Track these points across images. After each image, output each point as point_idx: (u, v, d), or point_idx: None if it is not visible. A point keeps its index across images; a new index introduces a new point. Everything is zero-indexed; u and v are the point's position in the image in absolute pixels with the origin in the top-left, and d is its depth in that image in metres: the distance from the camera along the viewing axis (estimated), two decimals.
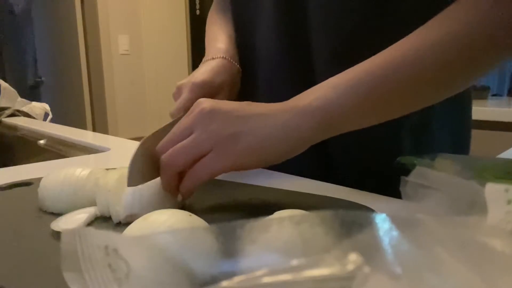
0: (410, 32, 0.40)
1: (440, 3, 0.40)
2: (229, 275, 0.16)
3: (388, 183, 0.45)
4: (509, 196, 0.24)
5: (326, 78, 0.40)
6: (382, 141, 0.50)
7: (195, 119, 0.38)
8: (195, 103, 0.40)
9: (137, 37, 3.13)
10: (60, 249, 0.20)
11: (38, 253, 0.31)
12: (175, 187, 0.39)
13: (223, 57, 0.55)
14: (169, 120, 0.59)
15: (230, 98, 0.53)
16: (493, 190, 0.25)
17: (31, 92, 3.51)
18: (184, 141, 0.37)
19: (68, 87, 3.28)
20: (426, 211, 0.32)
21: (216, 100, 0.39)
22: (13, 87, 1.55)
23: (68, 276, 0.19)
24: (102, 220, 0.38)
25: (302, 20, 0.52)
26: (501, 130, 1.54)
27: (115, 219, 0.37)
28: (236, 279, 0.16)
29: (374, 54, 0.40)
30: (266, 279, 0.15)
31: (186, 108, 0.46)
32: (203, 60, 0.56)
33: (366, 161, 0.53)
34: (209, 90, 0.50)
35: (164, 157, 0.38)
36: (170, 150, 0.38)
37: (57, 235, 0.34)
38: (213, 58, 0.54)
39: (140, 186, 0.37)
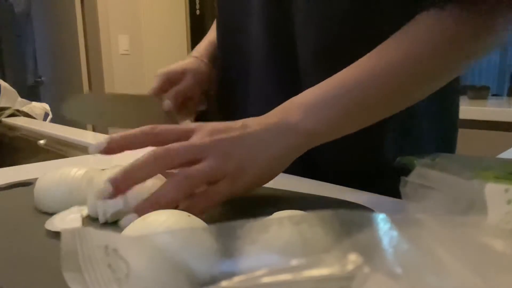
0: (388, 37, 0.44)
1: (416, 12, 0.44)
2: (229, 275, 0.16)
3: (371, 182, 0.50)
4: (509, 196, 0.24)
5: (311, 79, 0.45)
6: (364, 140, 0.52)
7: (206, 145, 0.38)
8: (197, 127, 0.40)
9: (137, 37, 3.13)
10: (60, 249, 0.20)
11: (38, 253, 0.31)
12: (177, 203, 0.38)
13: (194, 56, 0.67)
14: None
15: (195, 82, 0.64)
16: (493, 190, 0.25)
17: (31, 92, 3.51)
18: (203, 167, 0.37)
19: (68, 87, 3.27)
20: (426, 211, 0.32)
21: (216, 127, 0.40)
22: (13, 87, 1.55)
23: (68, 276, 0.19)
24: (94, 219, 0.38)
25: (288, 24, 0.55)
26: (501, 130, 1.54)
27: (102, 219, 0.37)
28: (236, 279, 0.16)
29: (355, 57, 0.43)
30: (266, 279, 0.15)
31: (155, 93, 0.63)
32: None
33: (349, 160, 0.56)
34: (174, 75, 0.63)
35: (180, 176, 0.37)
36: (183, 175, 0.37)
37: (53, 234, 0.34)
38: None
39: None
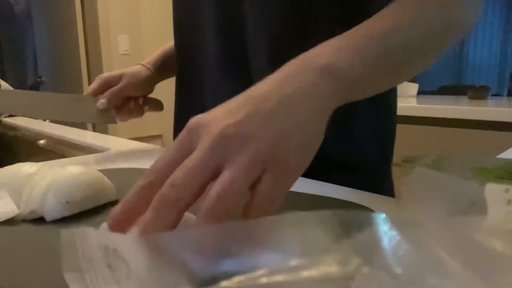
0: (328, 35, 0.38)
1: (363, 12, 0.44)
2: (229, 275, 0.16)
3: (317, 174, 0.51)
4: (509, 196, 0.24)
5: (262, 77, 0.33)
6: None
7: (216, 146, 0.26)
8: (196, 125, 0.28)
9: (137, 37, 3.13)
10: (60, 249, 0.20)
11: (37, 253, 0.31)
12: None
13: (140, 64, 0.76)
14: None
15: (130, 84, 0.71)
16: (493, 190, 0.25)
17: None
18: (233, 175, 0.25)
19: (68, 87, 3.27)
20: (426, 211, 0.32)
21: (219, 112, 0.29)
22: (13, 87, 1.55)
23: (68, 276, 0.19)
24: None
25: (241, 26, 0.58)
26: (501, 130, 1.54)
27: (22, 215, 0.38)
28: (236, 279, 0.16)
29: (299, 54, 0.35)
30: (266, 279, 0.15)
31: (91, 94, 0.69)
32: None
33: None
34: (111, 79, 0.70)
35: (213, 198, 0.25)
36: (214, 196, 0.25)
37: (52, 234, 0.34)
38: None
39: (46, 187, 0.38)
